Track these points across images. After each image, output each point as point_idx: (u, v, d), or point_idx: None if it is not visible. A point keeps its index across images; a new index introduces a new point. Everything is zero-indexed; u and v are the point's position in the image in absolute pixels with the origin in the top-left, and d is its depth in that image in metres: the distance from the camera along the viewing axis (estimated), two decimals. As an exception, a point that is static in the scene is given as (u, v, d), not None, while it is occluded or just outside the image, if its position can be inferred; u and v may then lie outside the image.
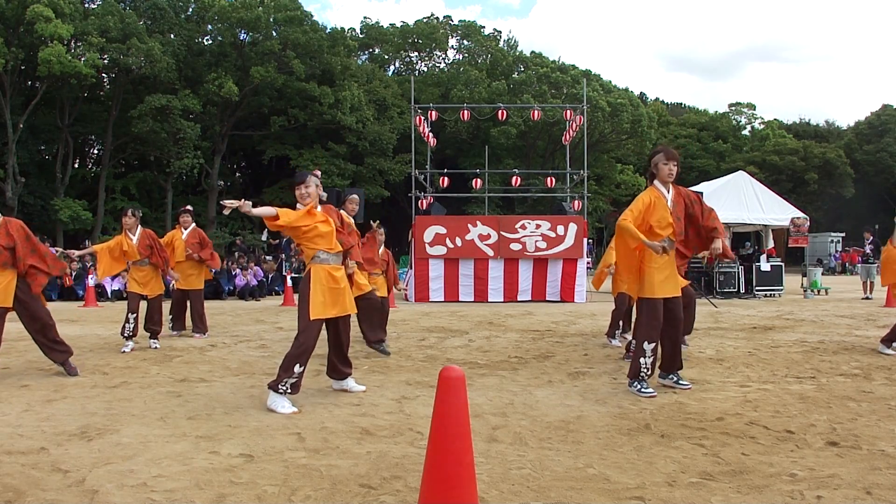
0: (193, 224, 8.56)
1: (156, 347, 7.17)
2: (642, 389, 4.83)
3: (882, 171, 44.43)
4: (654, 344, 4.86)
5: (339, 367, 4.94)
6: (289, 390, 4.40)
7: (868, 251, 16.82)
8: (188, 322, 8.57)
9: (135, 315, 7.09)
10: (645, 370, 4.85)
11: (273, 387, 4.42)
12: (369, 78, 35.53)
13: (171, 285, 9.17)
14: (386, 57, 41.05)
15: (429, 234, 13.91)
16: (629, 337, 7.41)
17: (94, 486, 2.99)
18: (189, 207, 9.12)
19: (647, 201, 4.87)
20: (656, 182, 5.00)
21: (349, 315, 4.88)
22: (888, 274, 7.99)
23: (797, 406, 4.47)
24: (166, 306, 7.80)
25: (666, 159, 4.93)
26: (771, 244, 17.04)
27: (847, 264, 32.87)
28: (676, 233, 4.94)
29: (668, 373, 5.11)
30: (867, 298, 15.01)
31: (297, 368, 4.42)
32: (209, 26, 31.68)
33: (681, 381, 5.07)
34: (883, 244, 8.23)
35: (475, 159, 31.90)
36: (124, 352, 6.92)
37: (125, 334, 7.08)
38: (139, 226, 7.39)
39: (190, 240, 8.36)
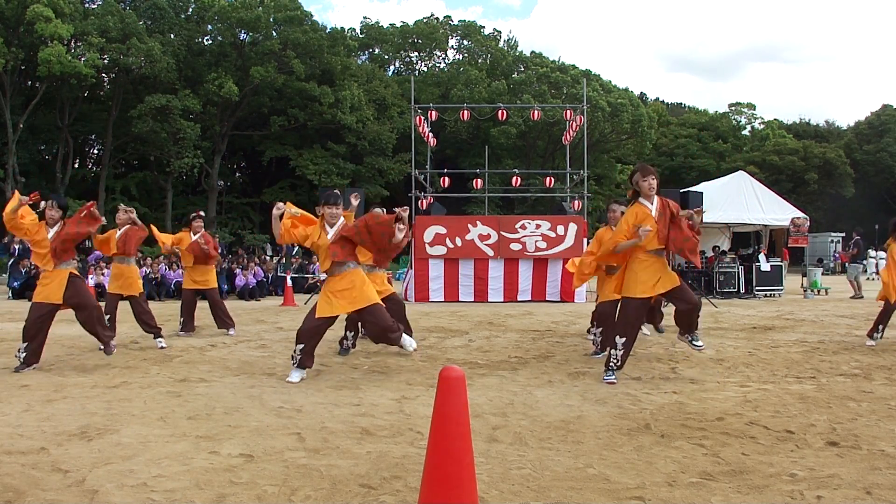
0: (203, 231, 8.66)
1: (162, 347, 7.12)
2: (605, 377, 5.30)
3: (882, 171, 44.41)
4: (625, 339, 5.24)
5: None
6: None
7: (854, 251, 16.96)
8: (197, 322, 8.68)
9: (109, 316, 7.16)
10: (614, 361, 5.27)
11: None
12: (369, 78, 35.52)
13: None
14: (386, 57, 41.03)
15: (429, 234, 13.90)
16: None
17: (94, 486, 2.99)
18: (201, 213, 9.24)
19: (632, 219, 5.27)
20: (640, 198, 5.33)
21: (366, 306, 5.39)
22: None
23: (797, 406, 4.47)
24: (165, 306, 7.78)
25: (643, 175, 5.29)
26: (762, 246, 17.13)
27: (847, 264, 32.89)
28: (660, 239, 5.24)
29: (683, 333, 5.49)
30: (857, 297, 15.13)
31: None
32: (209, 26, 31.68)
33: (694, 342, 5.43)
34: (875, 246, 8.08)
35: (475, 159, 31.88)
36: (101, 349, 6.91)
37: None
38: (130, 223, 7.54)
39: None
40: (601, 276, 7.26)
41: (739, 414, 4.26)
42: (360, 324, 6.40)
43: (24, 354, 5.82)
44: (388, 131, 32.81)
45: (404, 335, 5.51)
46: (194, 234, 8.52)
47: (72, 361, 6.23)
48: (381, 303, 5.54)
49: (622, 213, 5.92)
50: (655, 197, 5.31)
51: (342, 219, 5.63)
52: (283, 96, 31.85)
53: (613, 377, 5.28)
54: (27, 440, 3.69)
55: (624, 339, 5.24)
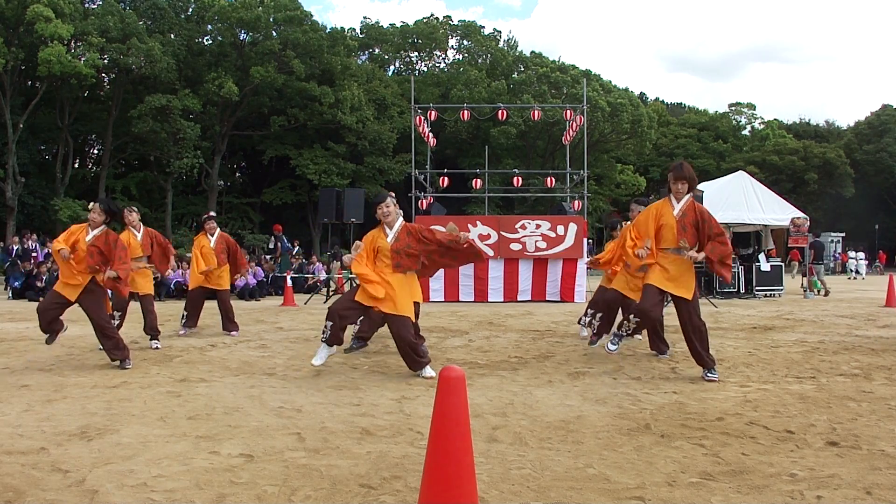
0: (219, 230, 8.66)
1: (157, 348, 7.14)
2: (610, 342, 5.67)
3: (882, 171, 44.41)
4: (638, 320, 5.52)
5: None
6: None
7: (812, 252, 17.29)
8: (200, 322, 8.70)
9: (120, 313, 7.16)
10: (626, 329, 5.62)
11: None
12: (369, 78, 35.54)
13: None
14: (386, 57, 41.06)
15: (429, 234, 13.89)
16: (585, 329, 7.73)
17: (94, 486, 2.99)
18: (213, 213, 9.25)
19: (652, 211, 5.55)
20: (670, 195, 5.56)
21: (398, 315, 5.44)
22: None
23: (797, 406, 4.47)
24: (165, 306, 7.78)
25: (674, 179, 5.47)
26: (771, 245, 17.22)
27: (846, 265, 32.97)
28: (689, 241, 5.43)
29: (705, 369, 5.48)
30: (820, 294, 15.97)
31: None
32: (209, 26, 31.71)
33: (708, 374, 5.42)
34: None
35: (475, 159, 31.90)
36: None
37: None
38: (142, 223, 7.62)
39: (218, 246, 8.48)
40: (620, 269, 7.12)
41: (739, 414, 4.26)
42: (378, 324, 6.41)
43: (48, 336, 5.99)
44: (388, 131, 32.83)
45: (428, 366, 5.51)
46: (210, 236, 8.53)
47: (72, 361, 6.23)
48: (412, 319, 5.53)
49: (639, 212, 6.03)
50: (685, 198, 5.46)
51: (401, 218, 5.60)
52: (283, 96, 31.86)
53: (616, 347, 5.60)
54: (27, 440, 3.69)
55: (638, 320, 5.51)
